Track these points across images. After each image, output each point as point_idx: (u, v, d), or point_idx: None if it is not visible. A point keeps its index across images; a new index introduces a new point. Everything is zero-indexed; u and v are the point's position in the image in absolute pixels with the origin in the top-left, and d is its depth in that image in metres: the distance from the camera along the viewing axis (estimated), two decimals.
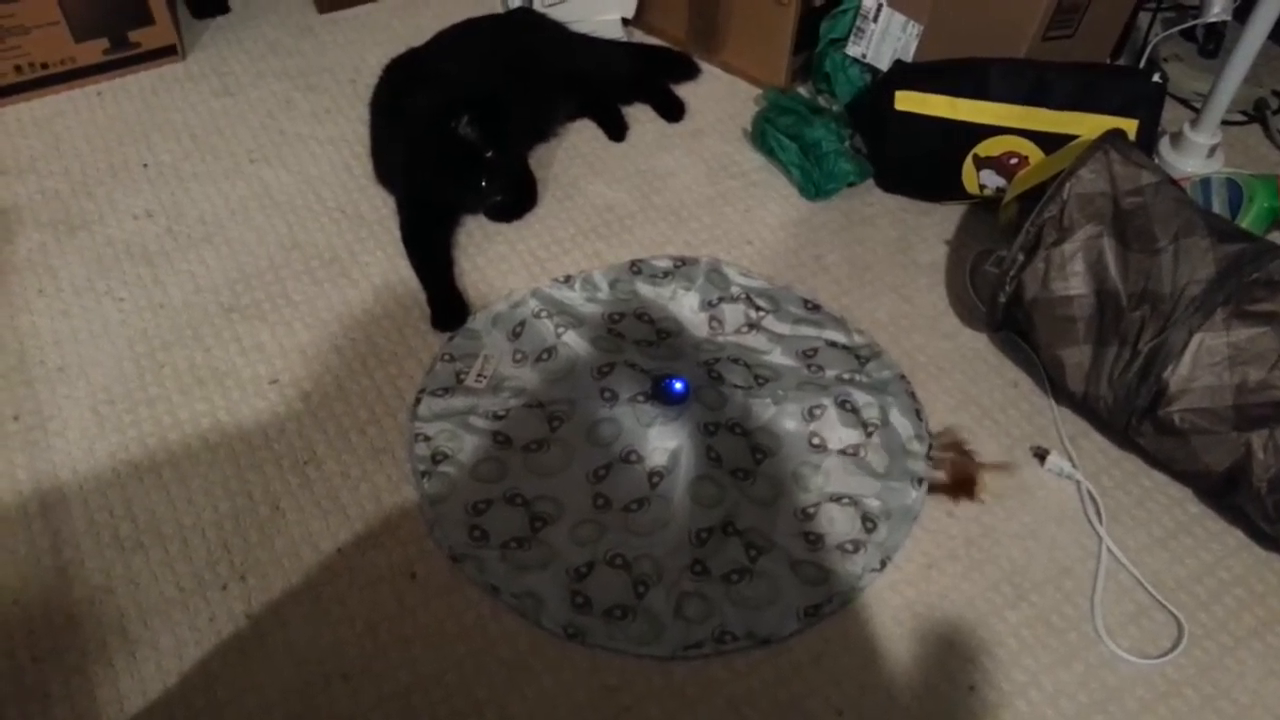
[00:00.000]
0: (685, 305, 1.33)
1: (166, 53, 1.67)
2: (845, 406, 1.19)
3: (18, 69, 1.56)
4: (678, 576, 1.06)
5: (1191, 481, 1.16)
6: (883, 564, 1.08)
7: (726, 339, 1.29)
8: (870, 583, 1.07)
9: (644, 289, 1.35)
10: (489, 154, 1.32)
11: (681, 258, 1.39)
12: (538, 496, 1.12)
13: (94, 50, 1.61)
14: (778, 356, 1.27)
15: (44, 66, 1.58)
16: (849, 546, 1.09)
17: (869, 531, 1.10)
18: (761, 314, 1.32)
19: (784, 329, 1.30)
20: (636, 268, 1.37)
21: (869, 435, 1.18)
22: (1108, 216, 1.16)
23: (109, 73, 1.64)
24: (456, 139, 1.30)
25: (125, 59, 1.64)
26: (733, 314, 1.32)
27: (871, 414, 1.19)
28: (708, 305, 1.33)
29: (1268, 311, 1.07)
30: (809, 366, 1.25)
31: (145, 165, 1.50)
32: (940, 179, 1.46)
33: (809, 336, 1.29)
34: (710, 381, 1.21)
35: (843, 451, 1.17)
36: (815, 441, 1.17)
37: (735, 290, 1.34)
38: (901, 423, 1.19)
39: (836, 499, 1.13)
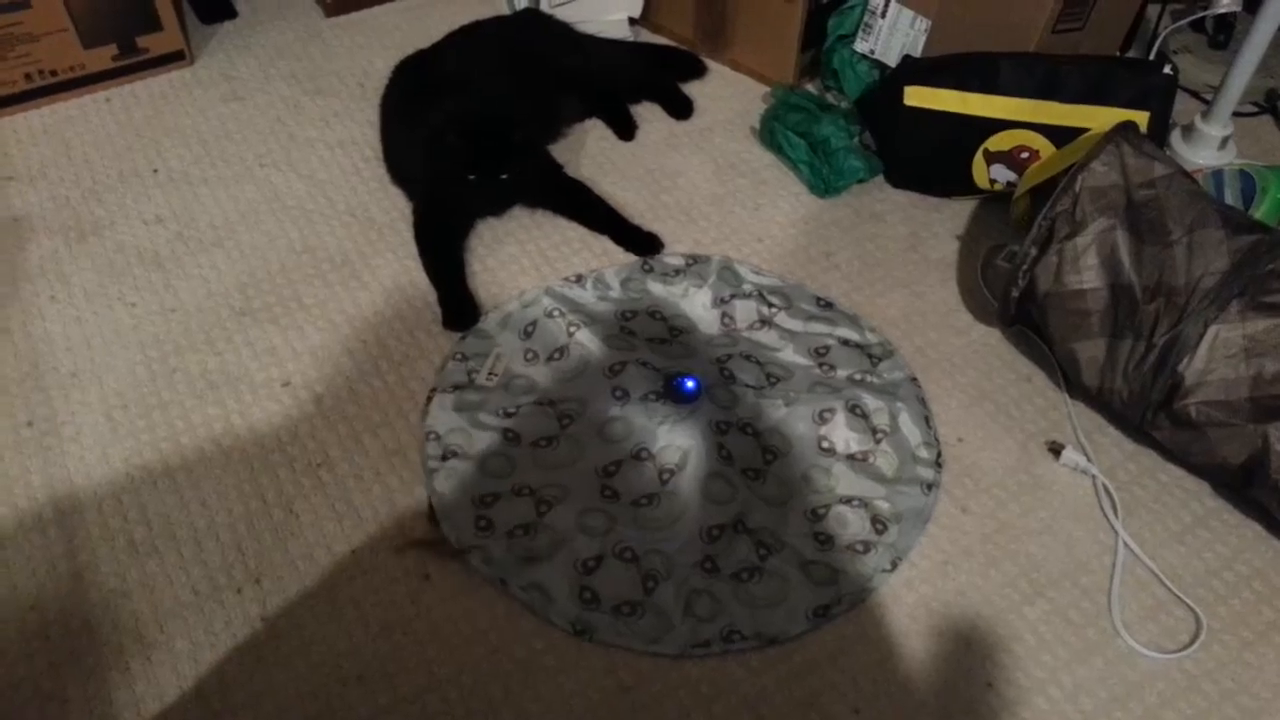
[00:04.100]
0: (697, 302, 1.33)
1: (175, 58, 1.68)
2: (855, 411, 1.19)
3: (27, 76, 1.57)
4: (688, 573, 1.05)
5: (1208, 475, 1.16)
6: (893, 565, 1.08)
7: (739, 335, 1.29)
8: (881, 584, 1.06)
9: (655, 287, 1.35)
10: (489, 146, 1.32)
11: (693, 256, 1.39)
12: (545, 485, 1.12)
13: (103, 56, 1.62)
14: (790, 354, 1.26)
15: (53, 74, 1.59)
16: (859, 547, 1.08)
17: (879, 533, 1.10)
18: (774, 310, 1.31)
19: (796, 326, 1.30)
20: (648, 266, 1.37)
21: (878, 442, 1.17)
22: (1120, 209, 1.15)
23: (118, 79, 1.65)
24: (475, 146, 1.30)
25: (134, 65, 1.65)
26: (745, 310, 1.31)
27: (881, 420, 1.18)
28: (720, 302, 1.32)
29: None
30: (820, 365, 1.25)
31: (155, 171, 1.51)
32: (951, 174, 1.46)
33: (821, 334, 1.29)
34: (722, 380, 1.21)
35: (851, 457, 1.16)
36: (825, 445, 1.17)
37: (747, 287, 1.34)
38: (911, 430, 1.18)
39: (847, 501, 1.12)
